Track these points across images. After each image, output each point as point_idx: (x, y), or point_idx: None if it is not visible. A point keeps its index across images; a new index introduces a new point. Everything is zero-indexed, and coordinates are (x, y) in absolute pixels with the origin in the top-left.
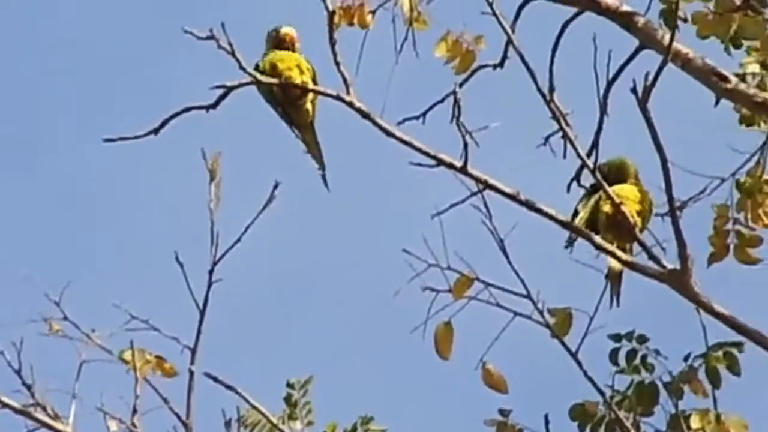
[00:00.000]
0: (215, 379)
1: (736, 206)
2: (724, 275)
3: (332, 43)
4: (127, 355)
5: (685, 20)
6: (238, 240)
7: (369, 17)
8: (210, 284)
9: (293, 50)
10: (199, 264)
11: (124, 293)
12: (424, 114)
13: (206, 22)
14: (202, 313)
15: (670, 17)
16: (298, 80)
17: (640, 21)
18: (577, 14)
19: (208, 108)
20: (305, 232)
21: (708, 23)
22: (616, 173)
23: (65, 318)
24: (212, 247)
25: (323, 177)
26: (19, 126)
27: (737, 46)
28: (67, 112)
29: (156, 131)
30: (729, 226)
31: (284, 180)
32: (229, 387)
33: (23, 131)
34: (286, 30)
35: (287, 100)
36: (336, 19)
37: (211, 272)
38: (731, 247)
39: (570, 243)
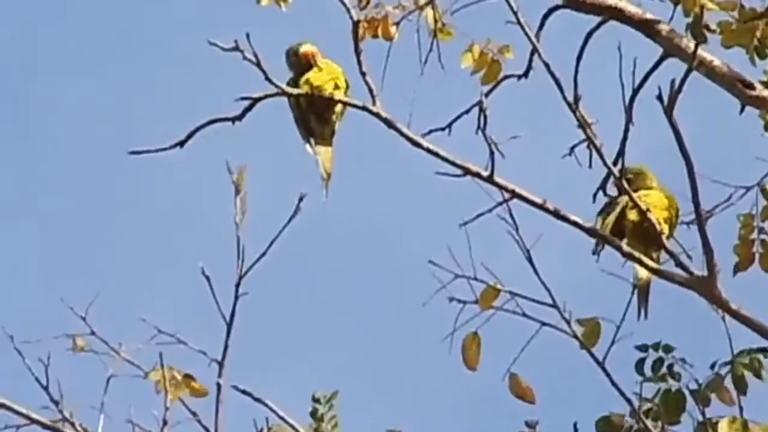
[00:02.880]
0: (244, 392)
1: (761, 214)
2: (749, 285)
3: (357, 53)
4: (156, 375)
5: (710, 30)
6: (264, 253)
7: (393, 29)
8: (237, 297)
9: (315, 66)
10: (225, 277)
11: (151, 307)
12: (450, 125)
13: (232, 34)
14: (229, 326)
15: (695, 28)
16: (327, 92)
17: (665, 29)
18: (601, 23)
19: (234, 120)
20: (332, 244)
21: (732, 33)
22: (635, 180)
23: (92, 333)
24: (238, 261)
25: (325, 185)
26: (43, 137)
27: (762, 56)
28: (90, 124)
29: (182, 144)
30: (754, 235)
31: (310, 192)
32: (257, 399)
33: (47, 142)
34: (304, 50)
35: (314, 112)
36: (361, 31)
37: (237, 285)
38: (757, 255)
39: (597, 252)
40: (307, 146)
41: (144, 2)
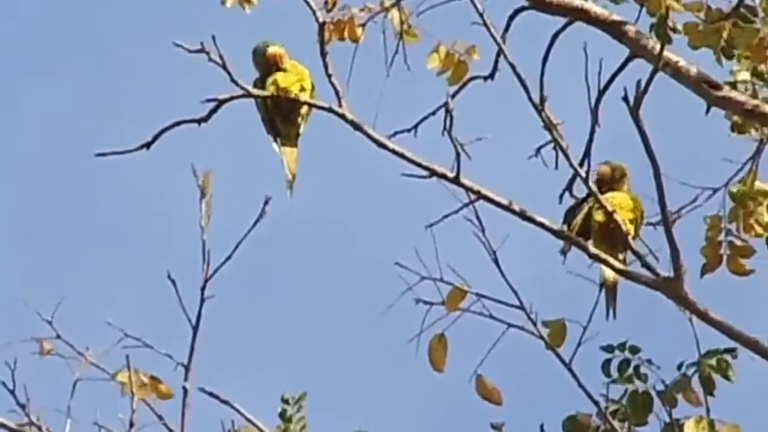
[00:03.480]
0: (210, 394)
1: (728, 216)
2: (716, 286)
3: (323, 55)
4: (123, 377)
5: (675, 30)
6: (230, 256)
7: (359, 30)
8: (202, 301)
9: (282, 67)
10: (191, 281)
11: (117, 311)
12: (416, 126)
13: (197, 36)
14: (195, 329)
15: (660, 29)
16: (292, 93)
17: (631, 30)
18: (567, 24)
19: (200, 121)
20: (298, 246)
21: (699, 34)
22: (621, 176)
23: (58, 336)
24: (204, 264)
25: (290, 186)
26: (6, 139)
27: (729, 57)
28: (54, 125)
29: (148, 145)
30: (722, 236)
31: (275, 194)
32: (224, 402)
33: (11, 144)
34: (271, 51)
35: (279, 113)
36: (327, 34)
37: (203, 289)
38: (724, 257)
39: (564, 253)
40: (273, 144)
41: (111, 3)
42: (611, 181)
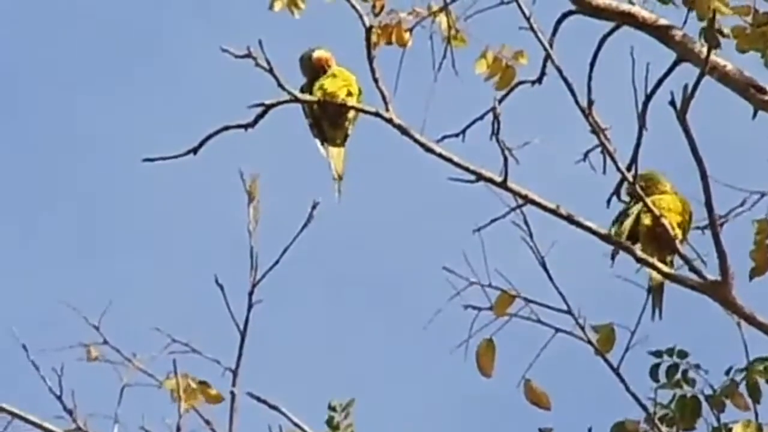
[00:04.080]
0: (258, 399)
1: None
2: (766, 290)
3: (370, 59)
4: (171, 383)
5: (723, 35)
6: (277, 261)
7: (407, 35)
8: (250, 306)
9: (329, 71)
10: (239, 286)
11: (165, 316)
12: (463, 131)
13: (245, 40)
14: (243, 334)
15: (709, 33)
16: (339, 98)
17: (678, 34)
18: (614, 28)
19: (246, 127)
20: (345, 252)
21: (746, 37)
22: (649, 186)
23: (105, 342)
24: (252, 269)
25: (337, 187)
26: (56, 144)
27: None
28: (104, 130)
29: (195, 151)
30: None
31: (323, 199)
32: (272, 407)
33: (60, 149)
34: (317, 55)
35: (327, 118)
36: (374, 38)
37: (251, 294)
38: None
39: (612, 257)
40: (320, 147)
41: (158, 9)
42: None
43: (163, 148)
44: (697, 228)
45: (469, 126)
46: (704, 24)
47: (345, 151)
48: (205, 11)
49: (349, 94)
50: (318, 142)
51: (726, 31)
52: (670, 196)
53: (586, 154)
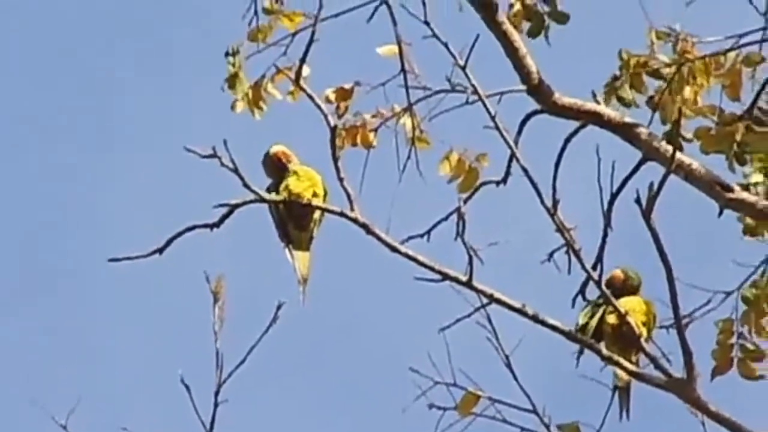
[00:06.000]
0: None
1: (740, 319)
2: (729, 388)
3: (335, 159)
4: None
5: (686, 139)
6: (243, 361)
7: (372, 136)
8: (216, 405)
9: (287, 166)
10: (204, 385)
11: (132, 416)
12: (428, 232)
13: (211, 142)
14: None
15: (673, 136)
16: (305, 198)
17: (643, 133)
18: (579, 128)
19: (212, 226)
20: (310, 352)
21: (711, 139)
22: (634, 285)
23: None
24: (217, 369)
25: (302, 290)
26: (23, 248)
27: (742, 163)
28: (69, 231)
29: (161, 251)
30: (733, 340)
31: (288, 298)
32: None
33: (26, 254)
34: (274, 150)
35: (292, 219)
36: (340, 140)
37: (216, 394)
38: (735, 360)
39: (577, 356)
40: (285, 250)
41: (126, 107)
42: (622, 287)
43: (127, 249)
44: (663, 327)
45: (434, 227)
46: (668, 127)
47: (310, 254)
48: (169, 112)
49: (315, 194)
50: (283, 245)
51: (689, 135)
52: (635, 298)
53: (551, 254)
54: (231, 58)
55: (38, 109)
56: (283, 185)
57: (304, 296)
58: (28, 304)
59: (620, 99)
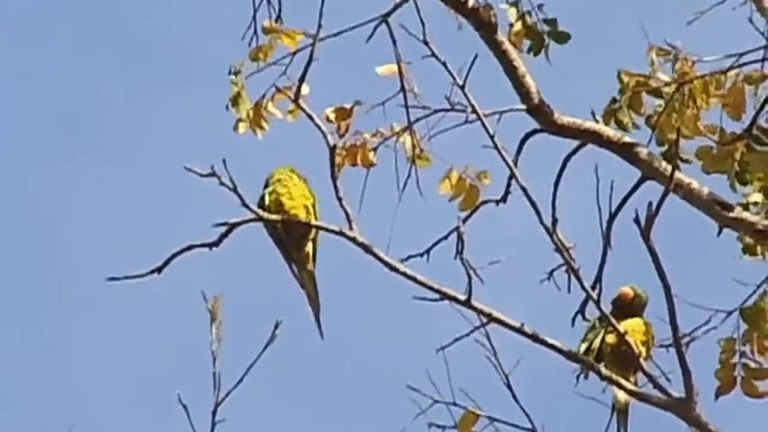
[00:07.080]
0: None
1: (742, 338)
2: (731, 408)
3: (334, 178)
4: None
5: (686, 160)
6: (240, 380)
7: (371, 155)
8: (213, 425)
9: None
10: (202, 405)
11: None
12: (428, 251)
13: (209, 160)
14: None
15: (671, 155)
16: (302, 217)
17: (643, 152)
18: (579, 147)
19: (211, 246)
20: (308, 371)
21: (712, 159)
22: (641, 304)
23: None
24: (214, 389)
25: (317, 320)
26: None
27: (742, 182)
28: (66, 250)
29: (159, 270)
30: (735, 358)
31: (286, 319)
32: None
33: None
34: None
35: (290, 237)
36: (339, 159)
37: (214, 413)
38: (738, 379)
39: (578, 376)
40: (296, 282)
41: (127, 128)
42: (631, 305)
43: (126, 268)
44: (662, 346)
45: (433, 246)
46: (666, 147)
47: (315, 276)
48: (169, 131)
49: (308, 211)
50: (288, 266)
51: (687, 156)
52: (634, 319)
53: (550, 273)
54: (234, 77)
55: (39, 126)
56: (269, 189)
57: (318, 322)
58: (26, 323)
59: (618, 122)
